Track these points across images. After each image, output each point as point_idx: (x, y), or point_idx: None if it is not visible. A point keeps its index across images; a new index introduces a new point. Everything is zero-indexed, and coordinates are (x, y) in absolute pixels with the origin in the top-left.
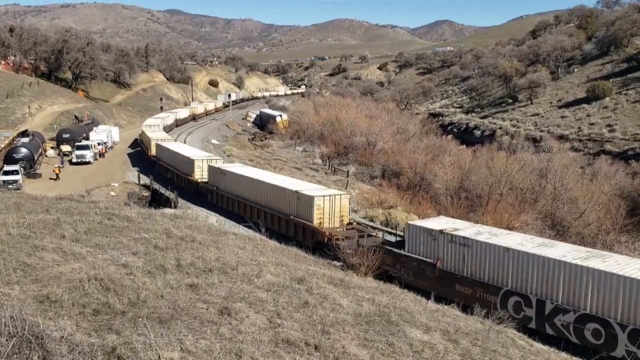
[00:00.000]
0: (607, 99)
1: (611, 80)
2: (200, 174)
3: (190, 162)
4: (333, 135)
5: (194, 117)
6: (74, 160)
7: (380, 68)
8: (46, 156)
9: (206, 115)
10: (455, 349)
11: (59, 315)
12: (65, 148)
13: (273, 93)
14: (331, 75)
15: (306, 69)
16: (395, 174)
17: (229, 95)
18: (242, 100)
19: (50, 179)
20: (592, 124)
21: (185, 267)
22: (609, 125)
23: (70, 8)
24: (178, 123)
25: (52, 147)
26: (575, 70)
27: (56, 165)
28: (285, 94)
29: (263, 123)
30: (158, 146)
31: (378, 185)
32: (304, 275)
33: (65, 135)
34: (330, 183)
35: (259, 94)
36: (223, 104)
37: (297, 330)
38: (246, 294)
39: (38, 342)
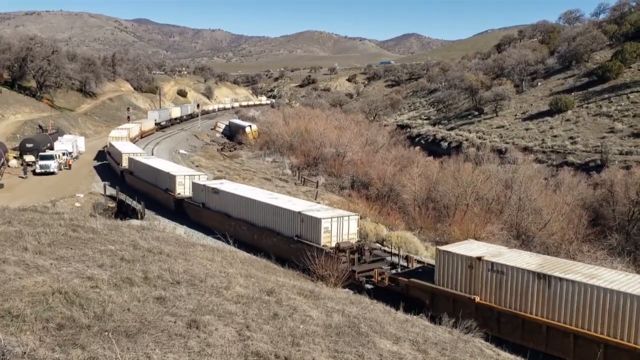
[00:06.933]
0: (569, 112)
1: (573, 93)
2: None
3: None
4: (302, 146)
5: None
6: (38, 170)
7: (349, 80)
8: (9, 166)
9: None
10: (425, 358)
11: (22, 331)
12: (29, 158)
13: (221, 106)
14: (301, 86)
15: (276, 79)
16: (364, 184)
17: (192, 107)
18: (191, 116)
19: None
20: (555, 136)
21: (153, 280)
22: (571, 138)
23: (35, 16)
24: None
25: (14, 157)
26: (539, 83)
27: None
28: (233, 107)
29: (232, 133)
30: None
31: (347, 195)
32: (273, 287)
33: (29, 145)
34: (300, 194)
35: (210, 107)
36: (156, 123)
37: (267, 343)
38: (215, 306)
39: None
